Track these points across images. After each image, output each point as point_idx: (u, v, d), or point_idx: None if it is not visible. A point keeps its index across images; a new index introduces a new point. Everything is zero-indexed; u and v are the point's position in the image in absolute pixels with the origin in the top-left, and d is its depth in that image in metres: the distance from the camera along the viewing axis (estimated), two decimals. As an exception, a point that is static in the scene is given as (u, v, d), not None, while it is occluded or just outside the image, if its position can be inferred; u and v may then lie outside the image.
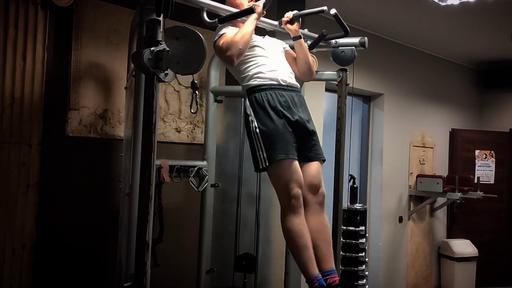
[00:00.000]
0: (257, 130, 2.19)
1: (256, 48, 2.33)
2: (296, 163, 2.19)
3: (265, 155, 2.17)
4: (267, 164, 2.16)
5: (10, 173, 2.41)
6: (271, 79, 2.26)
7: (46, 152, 2.58)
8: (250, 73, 2.28)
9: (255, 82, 2.26)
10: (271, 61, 2.33)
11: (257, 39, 2.37)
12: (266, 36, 2.48)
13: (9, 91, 2.42)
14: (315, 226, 2.23)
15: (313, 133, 2.32)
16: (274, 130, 2.17)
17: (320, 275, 2.11)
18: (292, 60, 2.50)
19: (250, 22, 2.23)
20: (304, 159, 2.27)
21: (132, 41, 2.47)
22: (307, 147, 2.28)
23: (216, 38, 2.33)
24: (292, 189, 2.14)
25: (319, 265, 2.15)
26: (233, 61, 2.22)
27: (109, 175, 2.90)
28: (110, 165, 2.91)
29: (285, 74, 2.32)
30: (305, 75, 2.48)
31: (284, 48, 2.50)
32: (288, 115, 2.21)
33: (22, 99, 2.46)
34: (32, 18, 2.48)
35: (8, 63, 2.42)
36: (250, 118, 2.23)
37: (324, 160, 2.36)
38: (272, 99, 2.21)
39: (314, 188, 2.28)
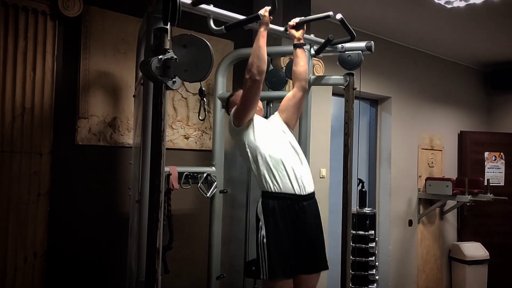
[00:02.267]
0: (264, 240, 2.25)
1: (264, 130, 2.35)
2: (290, 284, 2.27)
3: (266, 269, 2.24)
4: (266, 277, 2.24)
5: (21, 182, 2.44)
6: (290, 189, 2.28)
7: (56, 160, 2.60)
8: (270, 172, 2.29)
9: (274, 188, 2.28)
10: (292, 159, 2.33)
11: (267, 125, 2.41)
12: (270, 120, 2.52)
13: (19, 101, 2.45)
14: None
15: (318, 243, 2.38)
16: (279, 247, 2.24)
17: None
18: (288, 98, 2.51)
19: (262, 38, 2.22)
20: (306, 270, 2.34)
21: (140, 49, 2.50)
22: (310, 258, 2.34)
23: (229, 98, 2.50)
24: None
25: None
26: (255, 80, 2.20)
27: (119, 182, 2.92)
28: (119, 172, 2.93)
29: (305, 182, 2.34)
30: (299, 85, 2.49)
31: (283, 122, 2.50)
32: (298, 225, 2.28)
33: (33, 109, 2.48)
34: (42, 28, 2.52)
35: (19, 74, 2.45)
36: (260, 223, 2.28)
37: (327, 269, 2.43)
38: (287, 211, 2.27)
39: None
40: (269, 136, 2.36)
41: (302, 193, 2.31)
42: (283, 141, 2.38)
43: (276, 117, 2.53)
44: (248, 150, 2.33)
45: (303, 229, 2.30)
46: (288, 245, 2.25)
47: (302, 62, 2.47)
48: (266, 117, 2.67)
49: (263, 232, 2.25)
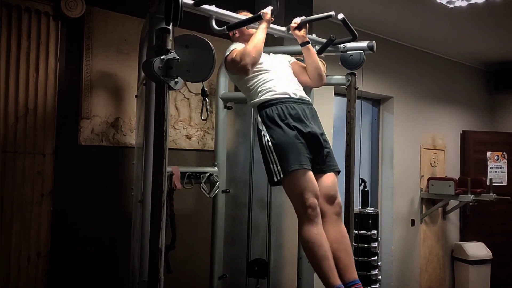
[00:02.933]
0: (270, 143, 2.20)
1: (263, 64, 2.35)
2: (311, 173, 2.18)
3: (279, 167, 2.16)
4: (282, 176, 2.16)
5: (25, 182, 2.45)
6: (281, 93, 2.28)
7: (59, 161, 2.62)
8: (259, 89, 2.31)
9: (265, 97, 2.28)
10: (279, 75, 2.35)
11: (263, 56, 2.39)
12: (271, 54, 2.51)
13: (23, 102, 2.46)
14: (334, 236, 2.21)
15: (327, 145, 2.31)
16: (287, 142, 2.17)
17: (343, 286, 2.09)
18: (301, 70, 2.51)
19: (261, 31, 2.26)
20: (319, 171, 2.27)
21: (142, 50, 2.51)
22: (321, 159, 2.28)
23: (227, 53, 2.36)
24: (307, 199, 2.12)
25: (341, 276, 2.12)
26: (247, 70, 2.24)
27: (122, 182, 2.92)
28: (122, 172, 2.93)
29: (295, 88, 2.34)
30: (315, 81, 2.49)
31: (290, 61, 2.53)
32: (299, 127, 2.22)
33: (36, 109, 2.50)
34: (45, 29, 2.53)
35: (22, 74, 2.46)
36: (262, 133, 2.25)
37: (339, 172, 2.35)
38: (283, 112, 2.23)
39: (331, 199, 2.27)
40: (269, 68, 2.37)
41: (298, 97, 2.30)
42: (276, 68, 2.39)
43: (284, 59, 2.53)
44: (247, 82, 2.36)
45: (309, 129, 2.24)
46: (296, 140, 2.18)
47: (312, 59, 2.46)
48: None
49: (267, 137, 2.21)
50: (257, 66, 2.32)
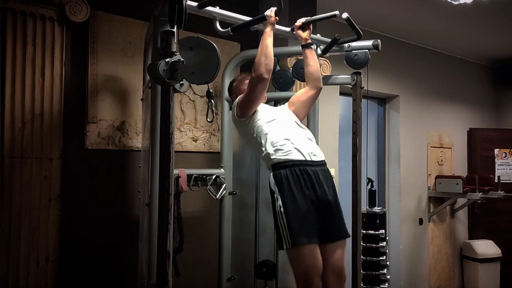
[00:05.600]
0: (282, 209, 2.21)
1: (270, 115, 2.37)
2: (317, 249, 2.21)
3: (288, 236, 2.18)
4: (289, 246, 2.18)
5: (32, 187, 2.46)
6: (296, 154, 2.27)
7: (66, 165, 2.62)
8: (274, 147, 2.29)
9: (280, 158, 2.27)
10: (294, 131, 2.35)
11: (267, 108, 2.43)
12: (277, 107, 2.55)
13: (29, 107, 2.47)
14: None
15: (337, 212, 2.32)
16: (298, 213, 2.20)
17: None
18: (298, 95, 2.53)
19: (267, 37, 2.24)
20: (328, 239, 2.28)
21: (147, 53, 2.51)
22: (331, 227, 2.29)
23: (234, 103, 2.42)
24: (312, 279, 2.16)
25: None
26: (264, 79, 2.22)
27: (128, 186, 2.93)
28: (129, 176, 2.94)
29: (309, 146, 2.33)
30: (312, 84, 2.49)
31: (288, 107, 2.51)
32: (311, 194, 2.23)
33: (42, 114, 2.50)
34: (50, 34, 2.54)
35: (28, 80, 2.47)
36: (275, 195, 2.26)
37: (348, 236, 2.37)
38: (297, 178, 2.23)
39: (337, 273, 2.30)
40: (274, 117, 2.37)
41: (312, 159, 2.29)
42: (288, 121, 2.39)
43: (284, 107, 2.54)
44: (252, 133, 2.35)
45: (320, 194, 2.25)
46: (307, 211, 2.20)
47: (312, 62, 2.46)
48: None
49: (280, 202, 2.22)
50: (264, 116, 2.35)
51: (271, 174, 2.30)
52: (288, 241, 2.18)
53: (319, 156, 2.35)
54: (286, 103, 2.56)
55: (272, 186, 2.29)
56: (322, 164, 2.35)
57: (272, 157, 2.28)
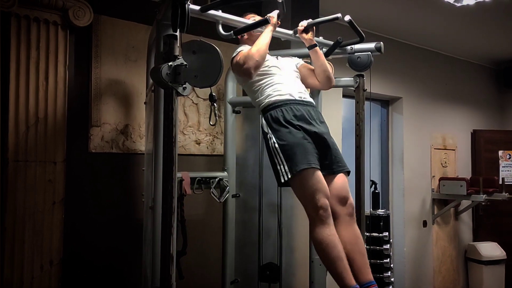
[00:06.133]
0: (276, 145, 2.18)
1: (269, 68, 2.35)
2: (320, 172, 2.15)
3: (286, 167, 2.13)
4: (289, 176, 2.12)
5: (36, 190, 2.47)
6: (285, 95, 2.27)
7: (70, 169, 2.63)
8: (264, 92, 2.31)
9: (270, 100, 2.28)
10: (284, 79, 2.35)
11: (270, 59, 2.39)
12: (279, 57, 2.50)
13: (33, 111, 2.48)
14: (347, 238, 2.17)
15: (334, 145, 2.29)
16: (294, 142, 2.15)
17: (358, 286, 2.06)
18: (310, 72, 2.51)
19: (266, 34, 2.26)
20: (328, 172, 2.24)
21: (150, 56, 2.52)
22: (329, 160, 2.25)
23: (234, 55, 2.36)
24: (318, 199, 2.09)
25: (356, 278, 2.08)
26: (250, 73, 2.23)
27: (132, 189, 2.93)
28: (132, 179, 2.95)
29: (298, 90, 2.34)
30: (324, 83, 2.49)
31: (297, 64, 2.52)
32: (306, 127, 2.21)
33: (46, 118, 2.52)
34: (53, 38, 2.55)
35: (32, 84, 2.48)
36: (268, 135, 2.24)
37: (349, 172, 2.32)
38: (288, 114, 2.22)
39: (343, 200, 2.23)
40: (271, 68, 2.36)
41: (302, 98, 2.30)
42: (287, 70, 2.40)
43: (291, 61, 2.52)
44: (252, 85, 2.36)
45: (314, 128, 2.23)
46: (303, 138, 2.17)
47: (320, 61, 2.46)
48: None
49: (273, 139, 2.20)
50: (263, 68, 2.32)
51: (262, 117, 2.29)
52: (286, 172, 2.13)
53: (309, 98, 2.35)
54: (295, 61, 2.54)
55: (264, 128, 2.27)
56: (313, 105, 2.35)
57: (262, 101, 2.30)
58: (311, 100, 2.37)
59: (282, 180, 2.16)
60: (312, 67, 2.51)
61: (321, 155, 2.22)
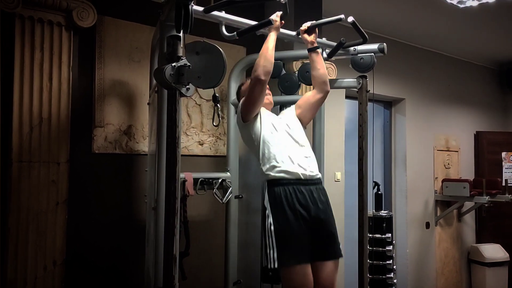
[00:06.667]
0: (272, 227, 2.21)
1: (274, 130, 2.35)
2: (307, 268, 2.20)
3: (275, 255, 2.18)
4: (276, 266, 2.17)
5: (40, 191, 2.48)
6: (291, 172, 2.27)
7: (73, 169, 2.64)
8: (271, 161, 2.29)
9: (276, 175, 2.28)
10: (292, 149, 2.33)
11: (274, 119, 2.41)
12: (282, 113, 2.55)
13: (37, 111, 2.49)
14: None
15: (331, 229, 2.32)
16: (289, 231, 2.20)
17: None
18: (305, 99, 2.53)
19: (270, 39, 2.25)
20: (320, 257, 2.28)
21: (154, 57, 2.53)
22: (323, 245, 2.29)
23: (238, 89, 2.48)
24: None
25: None
26: (262, 80, 2.22)
27: (135, 189, 2.94)
28: (135, 180, 2.95)
29: (305, 163, 2.33)
30: (319, 88, 2.50)
31: (294, 110, 2.53)
32: (305, 213, 2.23)
33: (50, 118, 2.52)
34: (57, 40, 2.56)
35: (36, 84, 2.49)
36: (266, 212, 2.26)
37: (341, 256, 2.36)
38: (290, 197, 2.23)
39: None
40: (276, 128, 2.37)
41: (307, 178, 2.29)
42: (288, 136, 2.38)
43: (290, 110, 2.55)
44: (253, 139, 2.36)
45: (313, 213, 2.25)
46: (299, 231, 2.20)
47: (319, 65, 2.47)
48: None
49: (270, 219, 2.22)
50: (267, 127, 2.34)
51: (266, 190, 2.30)
52: (274, 260, 2.17)
53: (315, 173, 2.35)
54: (293, 106, 2.57)
55: (265, 203, 2.29)
56: (317, 182, 2.36)
57: (267, 172, 2.29)
58: (317, 176, 2.36)
59: (269, 266, 2.20)
60: (305, 97, 2.54)
61: (316, 241, 2.26)
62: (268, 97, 2.51)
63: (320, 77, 2.47)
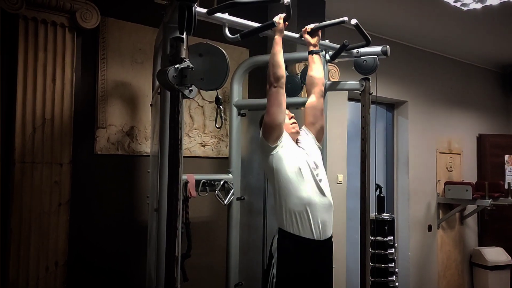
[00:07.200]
0: (274, 280, 2.23)
1: (295, 161, 2.29)
2: None
3: None
4: None
5: (42, 192, 2.48)
6: (308, 232, 2.25)
7: (76, 170, 2.64)
8: (289, 212, 2.25)
9: (290, 232, 2.26)
10: (315, 202, 2.28)
11: (300, 155, 2.32)
12: (302, 140, 2.44)
13: (40, 112, 2.49)
14: None
15: (327, 284, 2.36)
16: (291, 284, 2.22)
17: None
18: (310, 107, 2.49)
19: (275, 44, 2.25)
20: None
21: (157, 59, 2.53)
22: None
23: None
24: None
25: None
26: (274, 87, 2.21)
27: (137, 191, 2.94)
28: (137, 181, 2.95)
29: (324, 222, 2.30)
30: (318, 89, 2.48)
31: (312, 136, 2.48)
32: (308, 269, 2.26)
33: (53, 119, 2.53)
34: (61, 40, 2.56)
35: (39, 85, 2.50)
36: (273, 261, 2.27)
37: None
38: (299, 256, 2.24)
39: None
40: (299, 163, 2.29)
41: (320, 239, 2.29)
42: (310, 179, 2.30)
43: (307, 137, 2.46)
44: (273, 170, 2.28)
45: (316, 269, 2.29)
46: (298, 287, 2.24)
47: (318, 68, 2.47)
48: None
49: (274, 271, 2.24)
50: (285, 154, 2.27)
51: (278, 237, 2.30)
52: None
53: (329, 231, 2.33)
54: (305, 129, 2.48)
55: (273, 250, 2.30)
56: (328, 241, 2.35)
57: (284, 222, 2.26)
58: (329, 235, 2.34)
59: None
60: (311, 106, 2.49)
61: None
62: (295, 126, 2.42)
63: (320, 79, 2.47)
